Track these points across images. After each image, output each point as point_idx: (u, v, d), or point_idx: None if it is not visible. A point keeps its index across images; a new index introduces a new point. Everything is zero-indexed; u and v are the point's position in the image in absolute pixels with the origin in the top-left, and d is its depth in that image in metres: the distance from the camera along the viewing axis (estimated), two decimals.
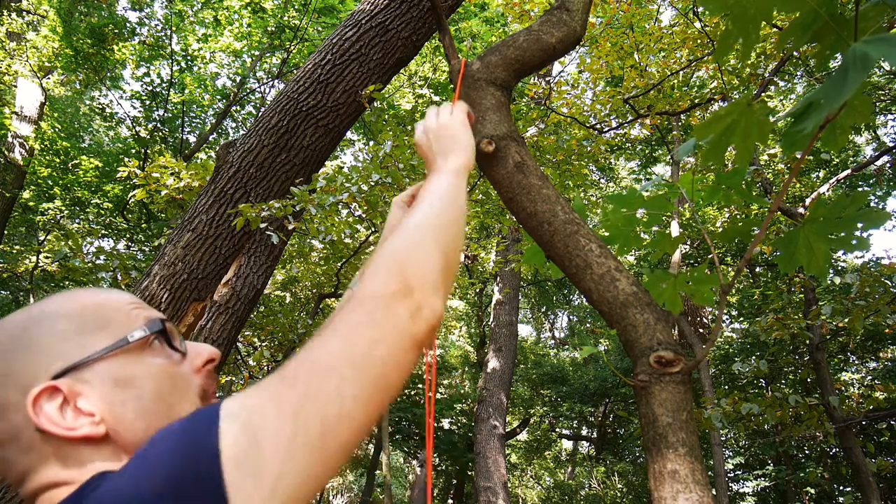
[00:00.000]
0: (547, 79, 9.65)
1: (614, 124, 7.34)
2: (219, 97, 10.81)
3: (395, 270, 0.63)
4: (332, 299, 10.21)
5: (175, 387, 0.64)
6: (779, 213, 5.91)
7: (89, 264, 4.17)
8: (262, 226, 3.41)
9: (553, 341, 20.29)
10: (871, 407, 6.57)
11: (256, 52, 9.91)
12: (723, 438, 11.52)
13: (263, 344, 6.42)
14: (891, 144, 10.44)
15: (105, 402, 0.60)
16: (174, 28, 9.41)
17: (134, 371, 0.62)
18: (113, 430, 0.60)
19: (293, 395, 0.52)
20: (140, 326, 0.65)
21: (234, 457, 0.48)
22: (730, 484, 12.35)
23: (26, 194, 9.97)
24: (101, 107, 10.56)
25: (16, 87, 9.91)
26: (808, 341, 7.30)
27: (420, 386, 12.93)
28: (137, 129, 9.97)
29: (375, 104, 3.47)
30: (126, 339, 0.63)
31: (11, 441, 0.59)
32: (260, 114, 4.25)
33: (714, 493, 8.42)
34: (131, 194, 9.04)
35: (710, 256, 10.37)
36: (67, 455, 0.58)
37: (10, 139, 9.20)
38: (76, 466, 0.58)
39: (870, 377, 10.03)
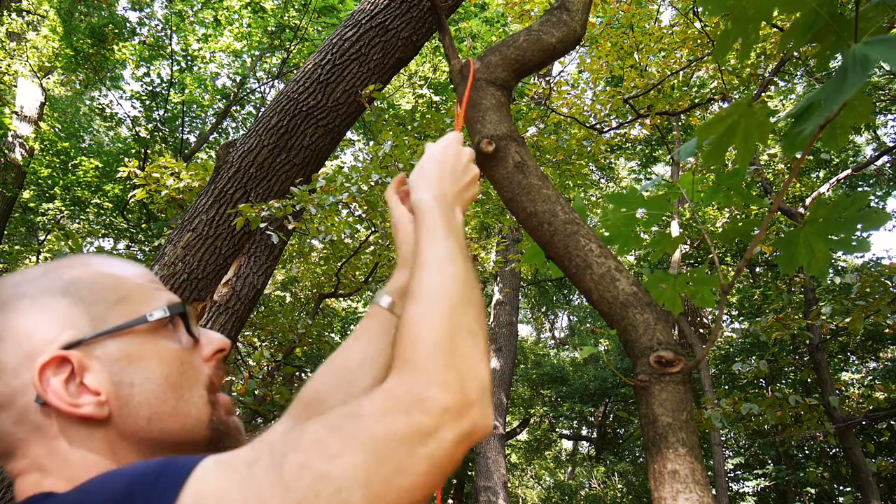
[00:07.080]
0: (547, 79, 9.65)
1: (614, 124, 7.34)
2: (219, 97, 10.81)
3: (454, 375, 0.51)
4: (332, 299, 10.20)
5: (184, 375, 0.60)
6: (779, 213, 5.90)
7: None
8: (262, 226, 3.41)
9: (553, 341, 20.28)
10: (871, 407, 6.57)
11: (256, 52, 9.90)
12: (723, 438, 11.51)
13: (263, 344, 6.42)
14: (891, 144, 10.44)
15: (113, 381, 0.56)
16: (174, 28, 9.41)
17: (146, 352, 0.58)
18: (115, 415, 0.55)
19: None
20: (160, 306, 0.61)
21: None
22: (730, 484, 12.35)
23: (26, 194, 9.96)
24: (101, 107, 10.55)
25: (16, 87, 9.90)
26: (808, 341, 7.30)
27: None
28: (137, 129, 9.96)
29: (375, 104, 3.47)
30: (144, 317, 0.59)
31: (3, 407, 0.54)
32: (260, 114, 4.25)
33: (714, 493, 8.41)
34: (131, 194, 9.03)
35: (710, 256, 10.36)
36: (61, 433, 0.54)
37: (10, 139, 9.20)
38: (64, 450, 0.54)
39: (870, 377, 10.03)
